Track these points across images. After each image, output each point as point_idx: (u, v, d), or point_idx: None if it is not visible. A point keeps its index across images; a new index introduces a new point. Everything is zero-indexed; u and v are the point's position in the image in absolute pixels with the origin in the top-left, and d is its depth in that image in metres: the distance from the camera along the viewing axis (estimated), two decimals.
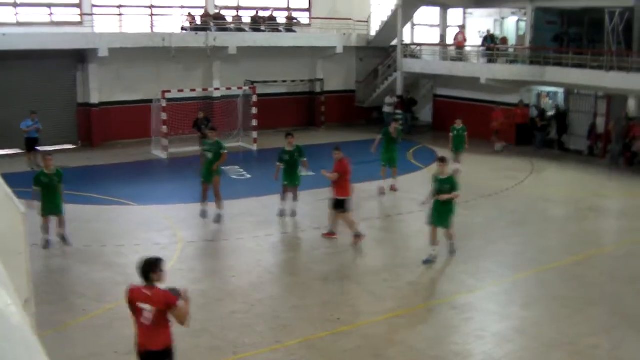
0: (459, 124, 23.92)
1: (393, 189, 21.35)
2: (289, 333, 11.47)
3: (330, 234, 16.52)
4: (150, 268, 8.12)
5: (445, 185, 14.64)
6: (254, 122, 28.17)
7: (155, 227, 17.62)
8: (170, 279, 13.74)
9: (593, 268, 15.06)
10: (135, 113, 28.20)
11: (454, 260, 15.26)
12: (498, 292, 13.64)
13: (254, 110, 28.24)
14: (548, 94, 30.77)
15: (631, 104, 26.59)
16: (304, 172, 18.43)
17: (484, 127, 29.02)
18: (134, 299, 8.13)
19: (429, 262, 14.85)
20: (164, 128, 26.41)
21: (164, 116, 26.29)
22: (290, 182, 18.17)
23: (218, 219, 17.73)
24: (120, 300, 12.47)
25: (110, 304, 12.44)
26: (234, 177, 23.01)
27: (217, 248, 16.34)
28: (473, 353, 10.95)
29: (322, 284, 13.86)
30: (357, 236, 16.03)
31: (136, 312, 8.14)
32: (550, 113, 30.00)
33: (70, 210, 16.91)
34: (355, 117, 34.84)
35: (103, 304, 12.58)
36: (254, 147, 27.55)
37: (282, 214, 18.35)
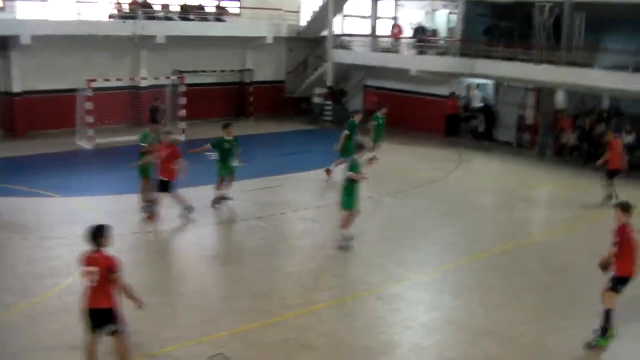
0: (381, 114, 23.75)
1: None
2: (217, 325, 11.27)
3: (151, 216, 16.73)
4: (97, 233, 9.00)
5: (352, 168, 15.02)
6: (182, 113, 27.75)
7: (81, 220, 17.09)
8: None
9: (522, 257, 15.25)
10: (61, 102, 27.36)
11: (383, 250, 15.33)
12: (428, 282, 13.66)
13: (182, 101, 27.82)
14: (478, 85, 31.12)
15: (559, 96, 27.04)
16: (236, 163, 18.18)
17: (414, 118, 29.23)
18: (83, 262, 9.02)
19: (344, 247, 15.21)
20: (89, 118, 25.80)
21: (89, 106, 25.64)
22: (228, 171, 18.17)
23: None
24: (46, 294, 12.22)
25: (35, 298, 12.06)
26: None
27: (144, 240, 15.91)
28: (402, 343, 10.96)
29: (251, 275, 13.70)
30: (188, 209, 16.80)
31: (85, 274, 9.00)
32: (478, 105, 30.37)
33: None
34: (284, 108, 34.65)
35: (27, 298, 12.16)
36: (182, 138, 27.11)
37: (218, 202, 18.21)
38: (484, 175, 23.69)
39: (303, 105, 34.63)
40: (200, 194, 18.43)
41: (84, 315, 9.11)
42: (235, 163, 18.19)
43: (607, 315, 10.80)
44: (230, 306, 12.14)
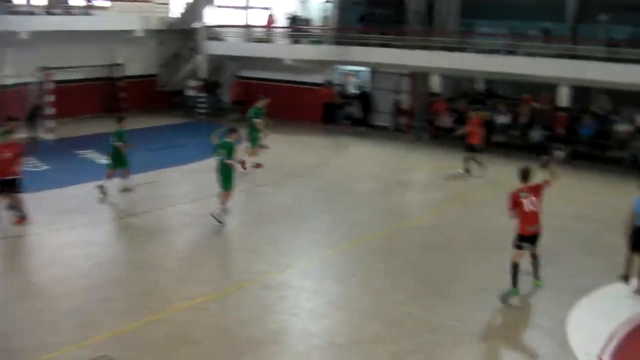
0: (260, 104, 23.40)
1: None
2: (97, 327, 10.86)
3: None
4: None
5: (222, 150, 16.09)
6: (50, 110, 26.68)
7: None
8: None
9: (401, 240, 15.45)
10: None
11: (265, 240, 15.20)
12: (310, 269, 13.61)
13: (50, 98, 26.74)
14: (354, 73, 31.37)
15: (434, 80, 27.53)
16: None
17: (291, 107, 29.19)
18: None
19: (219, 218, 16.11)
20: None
21: None
22: (123, 164, 18.51)
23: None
24: None
25: None
26: (28, 169, 21.62)
27: (12, 244, 15.15)
28: (289, 330, 10.89)
29: (128, 273, 13.34)
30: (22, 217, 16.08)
31: None
32: (354, 91, 30.62)
33: None
34: (158, 102, 33.83)
35: None
36: (51, 137, 26.07)
37: (104, 192, 18.23)
38: (362, 160, 23.86)
39: (177, 99, 33.99)
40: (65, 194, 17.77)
41: None
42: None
43: (513, 269, 11.99)
44: (110, 307, 11.71)
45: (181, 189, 19.77)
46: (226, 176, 16.22)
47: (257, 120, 21.42)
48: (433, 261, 14.06)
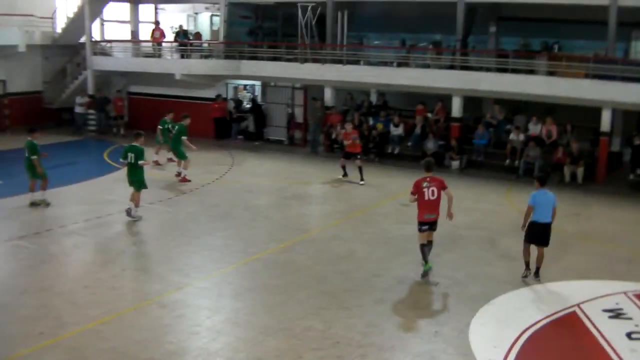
0: (169, 118, 23.96)
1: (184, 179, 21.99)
2: None
3: None
4: None
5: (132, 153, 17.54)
6: None
7: None
8: None
9: (299, 253, 15.32)
10: None
11: (160, 259, 14.92)
12: (208, 287, 13.30)
13: None
14: (245, 87, 31.23)
15: (327, 93, 27.64)
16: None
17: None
18: None
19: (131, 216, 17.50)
20: None
21: None
22: (39, 176, 18.94)
23: None
24: None
25: None
26: None
27: None
28: (188, 350, 10.58)
29: (19, 298, 12.66)
30: None
31: None
32: (247, 105, 30.48)
33: None
34: (44, 120, 32.66)
35: None
36: None
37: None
38: (257, 175, 23.67)
39: (64, 116, 32.98)
40: None
41: None
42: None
43: (421, 249, 13.71)
44: None
45: (72, 208, 19.06)
46: (138, 177, 17.69)
47: (184, 138, 21.90)
48: (332, 273, 13.99)
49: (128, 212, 17.59)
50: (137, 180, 17.72)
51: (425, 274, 13.68)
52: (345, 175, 22.24)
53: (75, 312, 12.05)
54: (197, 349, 10.58)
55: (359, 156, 22.10)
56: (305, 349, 10.57)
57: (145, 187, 17.93)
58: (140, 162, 17.57)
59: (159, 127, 24.00)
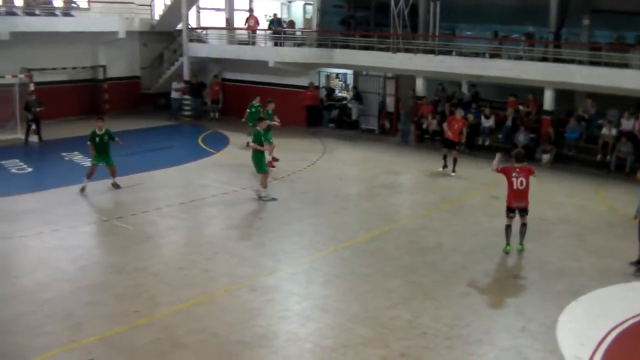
0: (256, 102, 24.14)
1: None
2: (84, 331, 10.80)
3: None
4: None
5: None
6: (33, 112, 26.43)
7: None
8: None
9: (388, 242, 15.37)
10: None
11: (252, 243, 15.21)
12: (297, 273, 13.54)
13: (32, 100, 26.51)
14: (337, 75, 31.36)
15: (419, 83, 27.55)
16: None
17: (275, 110, 29.10)
18: None
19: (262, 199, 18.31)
20: None
21: None
22: (101, 161, 19.25)
23: None
24: None
25: None
26: (13, 171, 21.50)
27: None
28: (277, 334, 10.82)
29: (114, 277, 13.19)
30: None
31: None
32: (342, 94, 30.62)
33: None
34: (141, 104, 33.72)
35: None
36: (35, 139, 25.85)
37: (83, 190, 18.79)
38: (347, 163, 23.78)
39: (161, 101, 33.84)
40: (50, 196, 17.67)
41: None
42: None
43: (506, 229, 14.51)
44: (96, 310, 11.62)
45: (167, 191, 19.63)
46: (260, 160, 18.48)
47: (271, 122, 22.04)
48: (420, 264, 14.00)
49: (259, 196, 18.43)
50: (258, 162, 18.53)
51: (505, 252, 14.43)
52: (445, 167, 21.92)
53: (168, 292, 12.47)
54: (287, 333, 10.80)
55: (457, 147, 21.97)
56: (392, 338, 10.65)
57: (265, 170, 18.74)
58: (253, 144, 18.72)
59: (247, 110, 24.42)
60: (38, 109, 25.59)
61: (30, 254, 14.54)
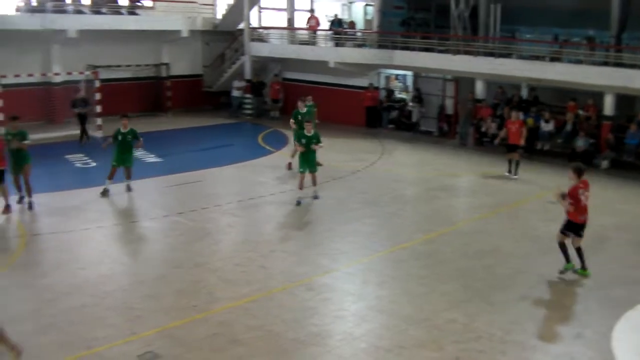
0: (309, 101, 24.16)
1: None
2: (144, 323, 11.06)
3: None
4: None
5: (312, 140, 18.08)
6: (98, 108, 27.05)
7: None
8: (14, 273, 13.11)
9: (445, 245, 15.35)
10: None
11: (309, 242, 15.34)
12: (353, 273, 13.63)
13: (97, 96, 27.12)
14: (397, 76, 31.36)
15: (478, 86, 27.41)
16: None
17: (334, 110, 29.28)
18: None
19: (299, 203, 17.97)
20: (0, 115, 24.93)
21: None
22: (122, 163, 18.73)
23: None
24: None
25: None
26: (78, 165, 22.05)
27: (62, 240, 15.42)
28: (332, 333, 10.89)
29: (173, 271, 13.48)
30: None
31: None
32: (401, 95, 30.59)
33: None
34: (202, 102, 34.23)
35: None
36: (99, 134, 26.42)
37: (105, 193, 18.54)
38: (405, 165, 23.79)
39: (222, 99, 34.26)
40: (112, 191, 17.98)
41: None
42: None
43: (561, 247, 13.57)
44: (156, 304, 11.89)
45: (227, 188, 19.93)
46: (308, 159, 18.31)
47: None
48: (476, 267, 13.95)
49: (315, 197, 18.55)
50: (313, 162, 18.49)
51: (564, 272, 13.52)
52: (510, 171, 21.76)
53: (226, 288, 12.68)
54: (342, 332, 10.87)
55: (519, 150, 21.83)
56: (447, 341, 10.64)
57: (311, 169, 18.48)
58: (312, 146, 18.28)
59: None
60: (83, 109, 25.90)
61: (93, 247, 14.94)
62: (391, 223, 16.94)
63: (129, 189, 18.97)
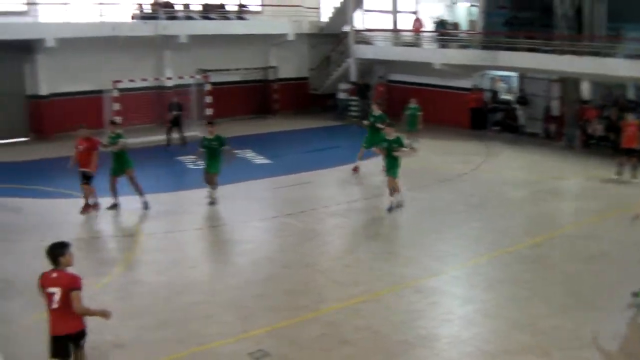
0: (413, 103, 24.26)
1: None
2: (254, 322, 11.37)
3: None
4: (58, 252, 8.25)
5: (394, 145, 17.49)
6: (209, 111, 27.84)
7: (115, 219, 17.41)
8: (133, 271, 13.73)
9: (552, 249, 15.21)
10: (86, 104, 27.52)
11: (417, 244, 15.42)
12: (460, 276, 13.67)
13: (208, 99, 27.91)
14: (502, 77, 31.05)
15: (585, 86, 26.88)
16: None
17: (438, 112, 29.21)
18: (43, 284, 8.21)
19: (391, 209, 17.48)
20: (117, 118, 25.94)
21: (116, 106, 25.82)
22: (208, 169, 18.53)
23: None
24: None
25: None
26: (190, 166, 22.79)
27: (178, 239, 16.10)
28: (439, 336, 10.96)
29: (282, 271, 13.81)
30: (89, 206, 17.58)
31: (47, 297, 8.20)
32: (506, 96, 30.28)
33: (21, 204, 17.56)
34: (309, 104, 34.67)
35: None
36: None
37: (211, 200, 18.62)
38: (511, 167, 23.55)
39: (328, 102, 34.63)
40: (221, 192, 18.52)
41: (49, 342, 8.38)
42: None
43: None
44: (266, 303, 12.21)
45: (334, 190, 20.21)
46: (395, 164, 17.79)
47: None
48: (583, 273, 13.72)
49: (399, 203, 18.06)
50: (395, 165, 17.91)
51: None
52: (619, 174, 21.15)
53: (335, 289, 12.94)
54: (449, 336, 10.92)
55: (635, 153, 21.19)
56: (553, 347, 10.52)
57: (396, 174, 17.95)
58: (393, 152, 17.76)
59: (405, 112, 24.87)
60: (177, 112, 26.19)
61: (204, 246, 15.51)
62: (497, 226, 16.84)
63: (212, 199, 18.56)
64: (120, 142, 17.76)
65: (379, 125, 20.33)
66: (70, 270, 8.33)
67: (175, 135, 26.40)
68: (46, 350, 8.50)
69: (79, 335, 8.37)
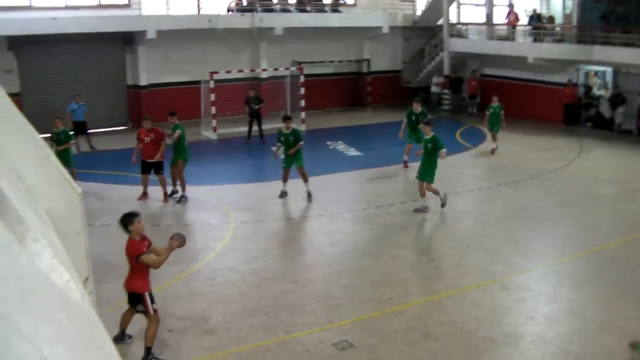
0: (495, 102, 23.79)
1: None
2: (341, 313, 11.59)
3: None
4: (127, 220, 9.58)
5: (429, 144, 16.84)
6: (302, 103, 28.28)
7: (206, 208, 17.93)
8: (223, 258, 14.17)
9: None
10: (184, 94, 28.42)
11: (504, 240, 15.33)
12: (548, 273, 13.60)
13: (302, 91, 28.36)
14: (596, 73, 30.42)
15: None
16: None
17: (531, 107, 28.87)
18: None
19: (418, 211, 17.07)
20: (213, 109, 26.67)
21: (212, 97, 26.51)
22: (290, 164, 18.44)
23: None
24: (171, 280, 12.85)
25: (162, 284, 12.29)
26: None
27: (268, 228, 16.52)
28: (524, 334, 10.94)
29: (372, 264, 13.97)
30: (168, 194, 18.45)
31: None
32: (600, 92, 29.64)
33: (121, 191, 18.13)
34: (401, 98, 34.59)
35: (155, 283, 12.69)
36: (303, 128, 27.59)
37: (282, 195, 18.65)
38: (604, 165, 23.12)
39: (421, 95, 34.52)
40: (323, 182, 18.89)
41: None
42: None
43: None
44: (353, 294, 12.41)
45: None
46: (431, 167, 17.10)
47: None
48: None
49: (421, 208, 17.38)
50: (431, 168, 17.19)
51: None
52: None
53: (421, 282, 13.13)
54: (533, 334, 10.87)
55: None
56: None
57: (428, 179, 17.20)
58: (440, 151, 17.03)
59: (487, 112, 24.40)
60: (256, 106, 25.74)
61: (297, 236, 15.85)
62: (587, 224, 16.60)
63: (283, 194, 18.69)
64: (177, 133, 18.21)
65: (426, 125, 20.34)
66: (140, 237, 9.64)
67: (254, 128, 26.14)
68: (141, 331, 9.80)
69: (137, 296, 9.75)
